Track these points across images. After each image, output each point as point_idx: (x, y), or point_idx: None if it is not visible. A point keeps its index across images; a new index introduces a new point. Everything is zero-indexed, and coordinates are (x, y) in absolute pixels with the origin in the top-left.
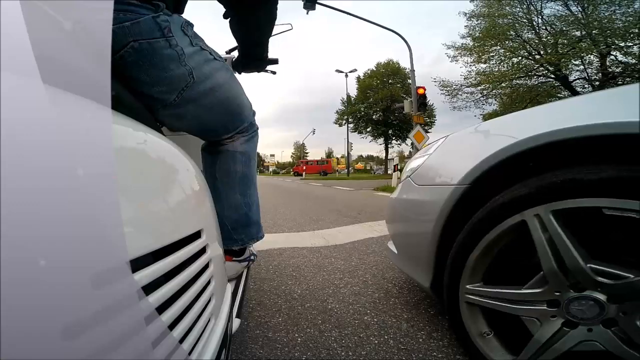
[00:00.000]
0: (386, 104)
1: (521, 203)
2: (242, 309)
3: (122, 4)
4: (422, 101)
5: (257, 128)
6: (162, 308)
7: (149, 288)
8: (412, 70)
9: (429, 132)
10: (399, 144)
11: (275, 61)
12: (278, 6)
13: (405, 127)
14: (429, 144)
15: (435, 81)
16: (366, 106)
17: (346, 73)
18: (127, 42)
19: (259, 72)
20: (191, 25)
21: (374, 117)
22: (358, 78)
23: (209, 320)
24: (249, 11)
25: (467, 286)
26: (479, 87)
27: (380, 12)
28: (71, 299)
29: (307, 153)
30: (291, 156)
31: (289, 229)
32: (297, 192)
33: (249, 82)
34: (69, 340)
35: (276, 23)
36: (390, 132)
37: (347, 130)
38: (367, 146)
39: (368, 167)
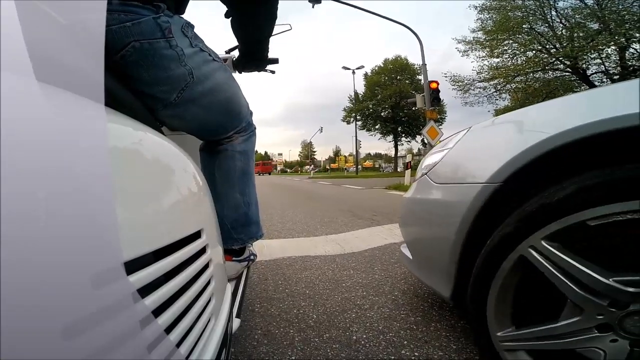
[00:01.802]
0: (395, 101)
1: (511, 239)
2: (242, 309)
3: (124, 4)
4: (435, 95)
5: (255, 128)
6: (162, 308)
7: (149, 288)
8: (424, 64)
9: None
10: (408, 141)
11: (275, 61)
12: (281, 6)
13: (415, 124)
14: (446, 138)
15: (446, 76)
16: (374, 103)
17: (353, 70)
18: (128, 42)
19: (259, 71)
20: (192, 26)
21: (382, 114)
22: (365, 75)
23: (209, 320)
24: (249, 10)
25: (498, 334)
26: (492, 82)
27: (385, 10)
28: (66, 300)
29: (314, 151)
30: (299, 155)
31: (299, 233)
32: (306, 191)
33: (255, 82)
34: (59, 343)
35: (277, 23)
36: (399, 129)
37: (355, 127)
38: (375, 144)
39: (377, 165)
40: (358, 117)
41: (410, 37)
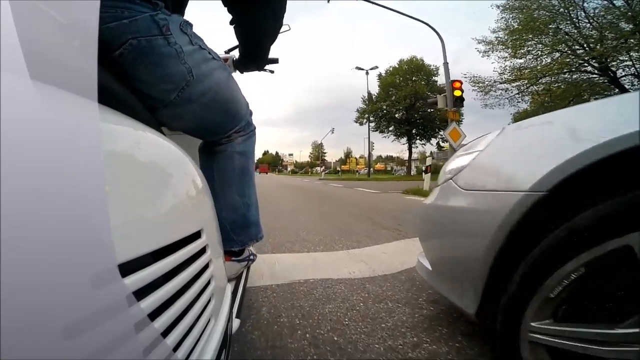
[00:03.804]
0: (410, 102)
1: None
2: (241, 309)
3: (121, 1)
4: (458, 88)
5: (254, 128)
6: (161, 308)
7: (149, 288)
8: (446, 63)
9: None
10: (423, 143)
11: (275, 60)
12: (289, 7)
13: (430, 126)
14: (472, 140)
15: (465, 77)
16: (388, 104)
17: (367, 70)
18: (126, 40)
19: (259, 71)
20: (190, 24)
21: (396, 115)
22: (379, 75)
23: (209, 321)
24: (257, 21)
25: (533, 323)
26: (515, 84)
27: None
28: (59, 302)
29: (325, 153)
30: (309, 156)
31: (315, 245)
32: (318, 193)
33: (265, 82)
34: (48, 347)
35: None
36: (413, 131)
37: (369, 129)
38: (387, 146)
39: (389, 168)
40: (371, 119)
41: (413, 39)
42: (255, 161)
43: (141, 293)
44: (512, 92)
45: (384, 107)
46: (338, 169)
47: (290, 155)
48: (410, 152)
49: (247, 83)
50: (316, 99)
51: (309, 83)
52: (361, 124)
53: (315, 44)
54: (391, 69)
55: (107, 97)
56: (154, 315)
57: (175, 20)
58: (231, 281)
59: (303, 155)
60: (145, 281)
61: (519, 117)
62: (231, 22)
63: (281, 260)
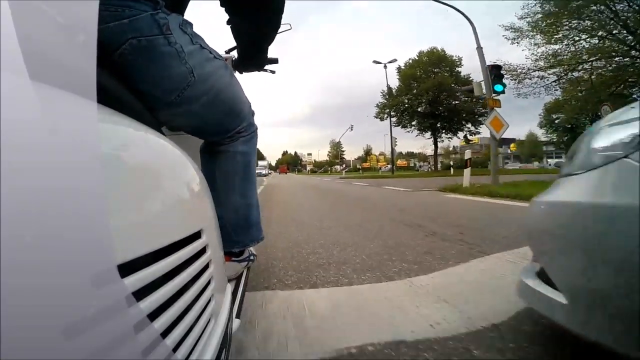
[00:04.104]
0: (433, 95)
1: None
2: (241, 309)
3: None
4: (496, 73)
5: (256, 128)
6: (162, 308)
7: (149, 288)
8: (480, 48)
9: (481, 125)
10: (449, 137)
11: (275, 61)
12: (299, 6)
13: (457, 119)
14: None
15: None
16: (410, 98)
17: (385, 64)
18: (126, 39)
19: (258, 71)
20: (190, 24)
21: (419, 109)
22: (399, 69)
23: (209, 321)
24: (253, 21)
25: None
26: (552, 70)
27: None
28: (57, 303)
29: (343, 151)
30: (327, 155)
31: (357, 270)
32: (342, 194)
33: (279, 83)
34: (45, 349)
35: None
36: (438, 124)
37: (390, 124)
38: (408, 143)
39: (412, 164)
40: (392, 113)
41: (416, 38)
42: (275, 162)
43: (141, 293)
44: (548, 80)
45: (406, 100)
46: (358, 166)
47: (309, 154)
48: (436, 147)
49: (262, 84)
50: (333, 97)
51: (324, 82)
52: (382, 119)
53: (329, 42)
54: (410, 61)
55: (107, 97)
56: (153, 315)
57: (174, 20)
58: (231, 281)
59: (321, 154)
60: (145, 281)
61: (550, 106)
62: (228, 22)
63: (313, 303)
